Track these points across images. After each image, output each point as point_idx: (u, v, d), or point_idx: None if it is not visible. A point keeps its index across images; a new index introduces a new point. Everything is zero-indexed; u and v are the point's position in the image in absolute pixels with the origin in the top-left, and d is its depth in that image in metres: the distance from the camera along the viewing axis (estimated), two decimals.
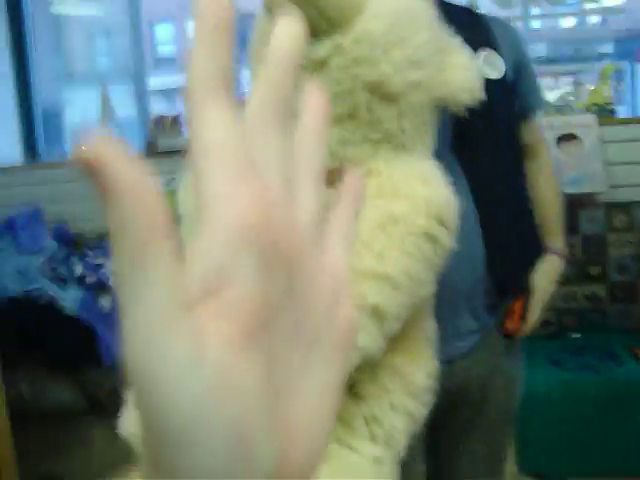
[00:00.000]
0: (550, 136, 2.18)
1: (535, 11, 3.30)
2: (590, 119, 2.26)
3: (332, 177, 0.71)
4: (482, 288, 1.19)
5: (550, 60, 4.36)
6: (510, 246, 1.21)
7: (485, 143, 1.22)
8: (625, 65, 4.07)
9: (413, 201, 0.90)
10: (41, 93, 3.43)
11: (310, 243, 0.25)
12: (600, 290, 2.46)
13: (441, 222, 0.90)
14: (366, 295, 0.82)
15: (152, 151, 2.24)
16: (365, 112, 0.94)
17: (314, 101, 0.29)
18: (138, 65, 6.93)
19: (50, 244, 2.34)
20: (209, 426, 0.19)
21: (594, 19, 5.10)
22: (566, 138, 2.23)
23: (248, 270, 0.20)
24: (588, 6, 3.29)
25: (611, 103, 2.35)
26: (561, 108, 2.36)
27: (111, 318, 1.95)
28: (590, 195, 2.30)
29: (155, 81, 7.35)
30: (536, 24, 3.77)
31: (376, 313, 0.82)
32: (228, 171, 0.21)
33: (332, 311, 0.25)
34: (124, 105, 6.73)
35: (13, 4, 3.32)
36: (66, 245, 2.33)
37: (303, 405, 0.23)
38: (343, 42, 0.91)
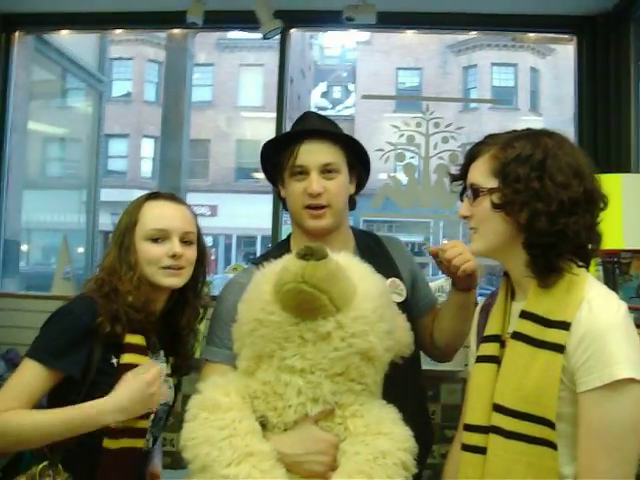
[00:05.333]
0: None
1: None
2: None
3: (327, 415, 1.34)
4: None
5: None
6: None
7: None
8: None
9: (392, 437, 1.21)
10: (5, 222, 3.61)
11: None
12: None
13: (412, 454, 1.22)
14: None
15: None
16: (353, 370, 1.21)
17: None
18: (92, 177, 7.09)
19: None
20: None
21: None
22: None
23: None
24: None
25: None
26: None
27: None
28: (451, 372, 2.67)
29: (102, 193, 7.45)
30: None
31: None
32: None
33: None
34: (74, 213, 6.94)
35: None
36: (14, 367, 2.74)
37: None
38: (344, 320, 1.18)
